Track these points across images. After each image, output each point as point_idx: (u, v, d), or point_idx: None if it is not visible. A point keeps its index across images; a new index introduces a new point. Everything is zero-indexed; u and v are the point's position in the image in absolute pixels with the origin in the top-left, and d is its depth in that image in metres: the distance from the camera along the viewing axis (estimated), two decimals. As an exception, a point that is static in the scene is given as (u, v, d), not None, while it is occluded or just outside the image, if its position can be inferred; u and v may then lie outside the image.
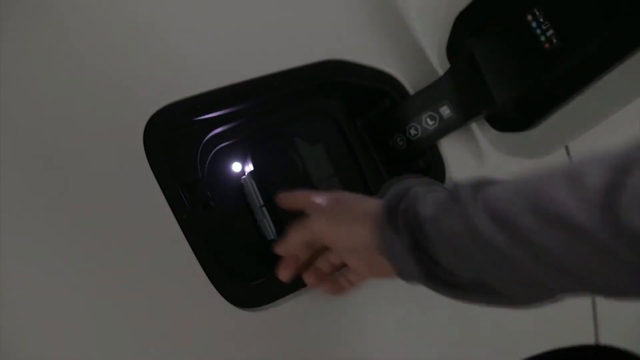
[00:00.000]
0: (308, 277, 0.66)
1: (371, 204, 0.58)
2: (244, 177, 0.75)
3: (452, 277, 0.52)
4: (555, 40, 0.67)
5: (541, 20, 0.67)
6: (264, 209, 0.73)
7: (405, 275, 0.56)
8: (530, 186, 0.44)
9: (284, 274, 0.66)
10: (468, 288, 0.52)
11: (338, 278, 0.67)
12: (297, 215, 0.75)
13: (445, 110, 0.76)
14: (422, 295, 0.80)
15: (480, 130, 0.80)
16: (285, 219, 0.74)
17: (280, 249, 0.66)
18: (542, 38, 0.67)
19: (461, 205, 0.48)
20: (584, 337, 0.95)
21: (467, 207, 0.47)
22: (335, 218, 0.60)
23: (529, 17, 0.68)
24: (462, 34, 0.75)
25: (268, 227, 0.74)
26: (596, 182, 0.39)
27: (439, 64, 0.79)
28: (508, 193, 0.45)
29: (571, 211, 0.40)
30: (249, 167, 0.75)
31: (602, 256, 0.39)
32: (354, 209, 0.59)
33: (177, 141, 0.67)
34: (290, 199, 0.68)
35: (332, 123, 0.80)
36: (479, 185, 0.50)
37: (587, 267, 0.41)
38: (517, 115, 0.77)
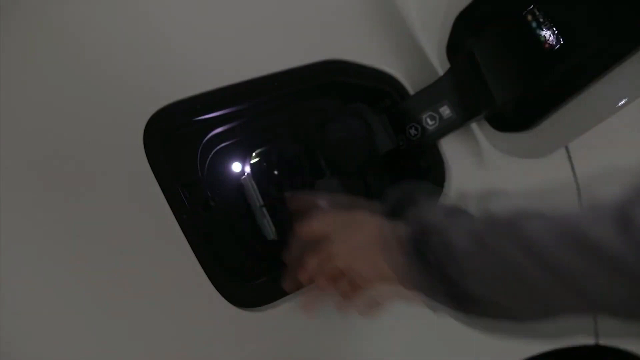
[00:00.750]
0: (320, 282, 0.63)
1: (390, 231, 0.56)
2: (244, 177, 0.75)
3: (477, 306, 0.52)
4: (555, 40, 0.67)
5: (541, 20, 0.67)
6: (264, 209, 0.73)
7: (434, 306, 0.56)
8: (574, 227, 0.44)
9: (289, 286, 0.65)
10: (485, 313, 0.53)
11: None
12: (297, 216, 0.76)
13: (445, 110, 0.75)
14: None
15: (480, 130, 0.80)
16: (286, 219, 0.74)
17: (301, 275, 0.63)
18: (542, 38, 0.67)
19: (500, 241, 0.48)
20: (584, 337, 0.95)
21: (506, 246, 0.47)
22: (356, 250, 0.58)
23: (529, 17, 0.68)
24: (462, 34, 0.75)
25: (268, 227, 0.74)
26: None
27: (439, 64, 0.79)
28: (553, 234, 0.45)
29: (623, 256, 0.41)
30: (249, 168, 0.75)
31: None
32: (373, 238, 0.58)
33: (177, 141, 0.67)
34: (298, 201, 0.67)
35: (332, 123, 0.80)
36: (517, 219, 0.49)
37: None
38: (517, 115, 0.77)
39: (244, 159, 0.75)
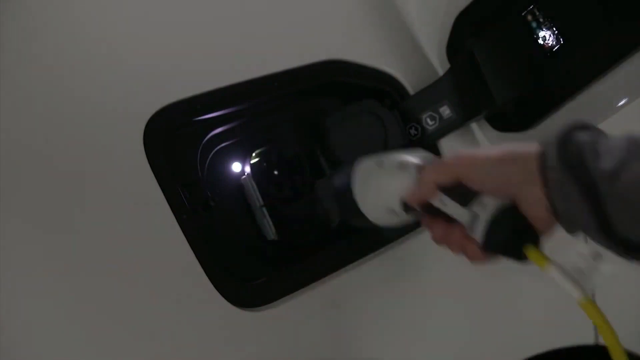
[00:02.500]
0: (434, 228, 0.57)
1: (525, 147, 0.52)
2: (244, 177, 0.75)
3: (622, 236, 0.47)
4: (555, 40, 0.67)
5: (541, 20, 0.67)
6: (264, 209, 0.73)
7: (570, 226, 0.50)
8: None
9: (436, 235, 0.57)
10: (627, 246, 0.47)
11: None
12: (297, 216, 0.76)
13: (445, 110, 0.76)
14: (422, 297, 0.80)
15: (480, 130, 0.80)
16: (285, 218, 0.74)
17: (412, 196, 0.56)
18: (542, 38, 0.67)
19: None
20: (584, 337, 0.95)
21: None
22: (482, 157, 0.53)
23: (529, 17, 0.68)
24: (462, 34, 0.75)
25: (268, 227, 0.74)
26: None
27: (439, 64, 0.79)
28: None
29: None
30: (249, 168, 0.75)
31: None
32: (504, 151, 0.53)
33: (177, 141, 0.67)
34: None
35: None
36: None
37: None
38: (517, 115, 0.77)
39: (244, 159, 0.75)
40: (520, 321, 0.89)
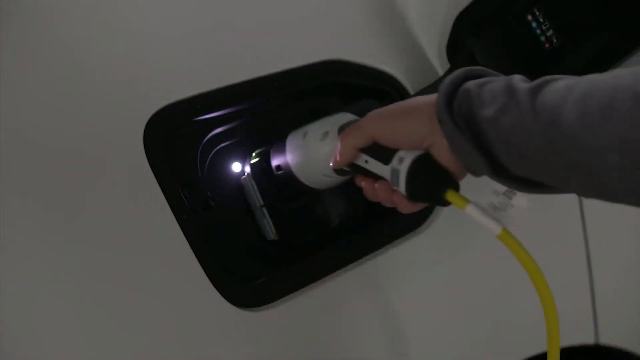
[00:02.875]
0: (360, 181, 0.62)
1: (425, 98, 0.55)
2: (244, 177, 0.75)
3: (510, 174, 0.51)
4: (555, 40, 0.67)
5: (541, 20, 0.67)
6: (264, 209, 0.73)
7: (473, 167, 0.53)
8: (599, 97, 0.41)
9: (367, 192, 0.61)
10: (521, 183, 0.51)
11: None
12: (297, 216, 0.76)
13: (445, 111, 0.75)
14: (422, 297, 0.80)
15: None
16: (285, 218, 0.74)
17: (335, 162, 0.61)
18: (542, 38, 0.67)
19: (520, 108, 0.46)
20: (584, 337, 0.95)
21: (526, 112, 0.45)
22: (387, 114, 0.57)
23: (529, 17, 0.68)
24: (462, 34, 0.75)
25: (268, 227, 0.74)
26: None
27: (439, 64, 0.79)
28: (571, 103, 0.43)
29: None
30: (249, 168, 0.75)
31: None
32: (406, 105, 0.57)
33: (177, 141, 0.67)
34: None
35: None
36: (538, 88, 0.47)
37: None
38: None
39: (244, 159, 0.75)
40: (520, 321, 0.89)
